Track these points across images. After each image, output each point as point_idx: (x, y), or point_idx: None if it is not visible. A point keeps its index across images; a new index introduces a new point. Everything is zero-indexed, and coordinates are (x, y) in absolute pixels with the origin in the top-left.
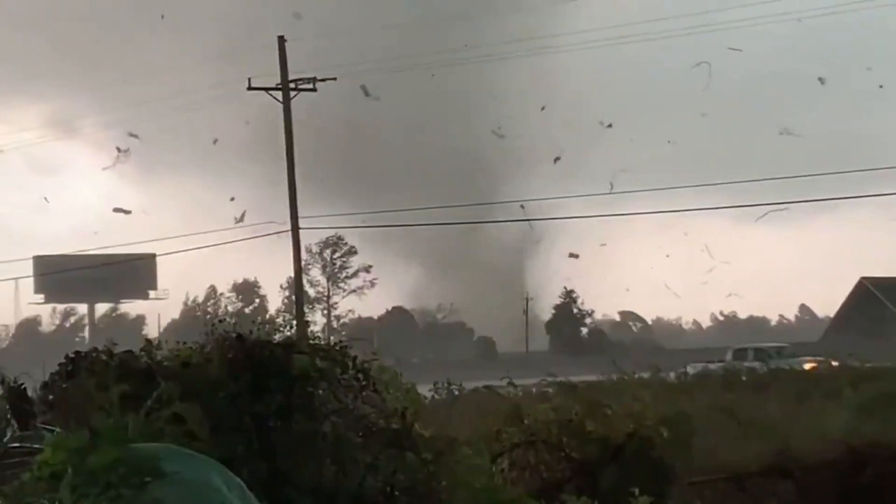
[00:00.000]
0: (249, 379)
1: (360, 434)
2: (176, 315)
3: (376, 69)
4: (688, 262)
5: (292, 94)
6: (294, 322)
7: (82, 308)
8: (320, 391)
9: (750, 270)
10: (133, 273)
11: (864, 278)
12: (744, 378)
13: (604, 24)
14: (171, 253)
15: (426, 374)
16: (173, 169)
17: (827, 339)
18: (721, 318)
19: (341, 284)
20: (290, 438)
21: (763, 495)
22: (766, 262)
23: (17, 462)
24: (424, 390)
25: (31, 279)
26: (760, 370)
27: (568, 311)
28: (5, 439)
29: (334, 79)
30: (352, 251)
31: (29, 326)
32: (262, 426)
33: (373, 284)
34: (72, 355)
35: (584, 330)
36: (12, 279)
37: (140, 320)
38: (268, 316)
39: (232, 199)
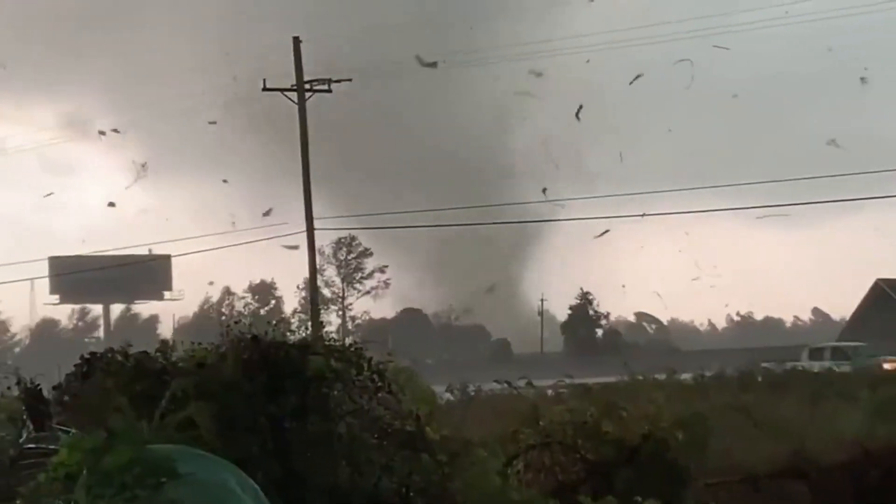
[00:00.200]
0: (264, 380)
1: (376, 435)
2: (190, 316)
3: (390, 71)
4: (702, 264)
5: (307, 94)
6: (309, 323)
7: (98, 309)
8: (335, 392)
9: (764, 272)
10: (148, 274)
11: (879, 280)
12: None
13: (612, 27)
14: (186, 254)
15: (440, 375)
16: (188, 170)
17: (843, 340)
18: (737, 318)
19: (356, 285)
20: (305, 439)
21: (779, 497)
22: (780, 263)
23: (33, 463)
24: (439, 391)
25: (47, 280)
26: (840, 369)
27: (583, 313)
28: (21, 440)
29: (349, 79)
30: (366, 252)
31: (44, 327)
32: (277, 427)
33: (387, 285)
34: (87, 356)
35: (600, 331)
36: (28, 280)
37: (155, 321)
38: (283, 317)
39: (267, 212)
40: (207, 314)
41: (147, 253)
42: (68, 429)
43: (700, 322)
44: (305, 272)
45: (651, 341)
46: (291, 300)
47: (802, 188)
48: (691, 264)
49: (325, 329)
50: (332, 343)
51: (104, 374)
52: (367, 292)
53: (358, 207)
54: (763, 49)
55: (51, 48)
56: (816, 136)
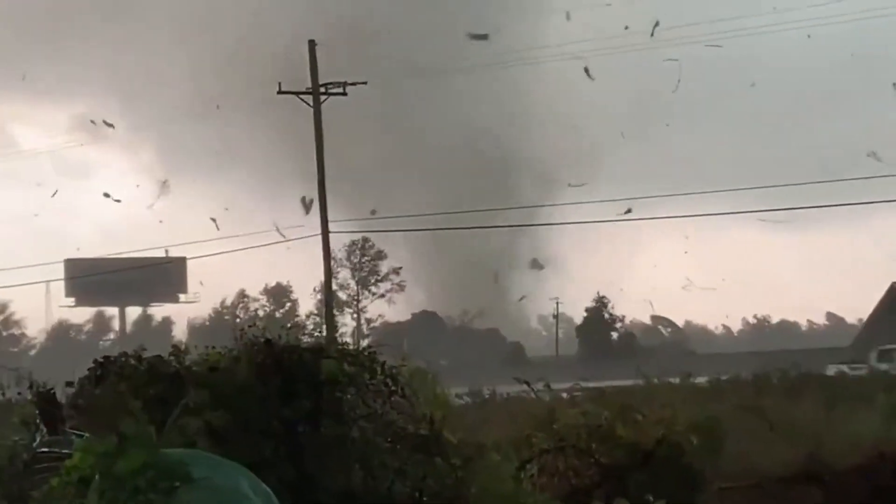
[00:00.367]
0: (278, 383)
1: (389, 439)
2: (206, 318)
3: (407, 73)
4: (718, 267)
5: (322, 98)
6: (324, 326)
7: (114, 311)
8: (349, 396)
9: (779, 275)
10: (163, 276)
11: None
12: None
13: (627, 30)
14: (201, 256)
15: (454, 378)
16: (204, 172)
17: (859, 344)
18: (753, 321)
19: (371, 288)
20: (318, 443)
21: (793, 501)
22: (794, 267)
23: (46, 467)
24: (453, 393)
25: (62, 282)
26: None
27: (598, 315)
28: (34, 444)
29: (364, 83)
30: (380, 255)
31: (60, 330)
32: (291, 431)
33: (402, 288)
34: (101, 360)
35: (615, 334)
36: (44, 282)
37: (171, 323)
38: (297, 320)
39: (305, 199)
40: (222, 317)
41: (162, 255)
42: (82, 433)
43: (715, 325)
44: (320, 275)
45: (666, 344)
46: (307, 303)
47: (815, 191)
48: (704, 268)
49: (340, 332)
50: (345, 347)
51: (118, 378)
52: (382, 295)
53: (371, 210)
54: (779, 51)
55: (66, 50)
56: (831, 139)
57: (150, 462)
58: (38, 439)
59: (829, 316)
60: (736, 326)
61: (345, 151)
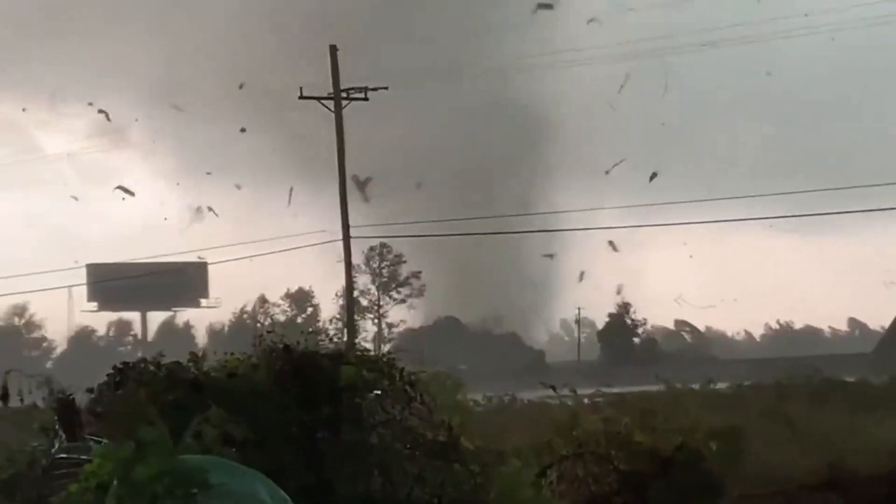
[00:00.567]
0: (296, 390)
1: (408, 445)
2: (227, 323)
3: (427, 78)
4: (739, 272)
5: (344, 103)
6: (345, 331)
7: (136, 316)
8: (368, 402)
9: (802, 281)
10: (185, 281)
11: None
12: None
13: (648, 35)
14: (223, 262)
15: (474, 383)
16: (224, 177)
17: (882, 350)
18: (776, 327)
19: (391, 293)
20: (337, 449)
21: None
22: (815, 272)
23: (65, 473)
24: (473, 398)
25: (85, 287)
26: None
27: (620, 321)
28: (53, 450)
29: (386, 87)
30: (399, 259)
31: (82, 335)
32: (310, 437)
33: (421, 293)
34: (120, 366)
35: (637, 340)
36: (66, 287)
37: (195, 328)
38: (319, 325)
39: (365, 177)
40: (243, 322)
41: (183, 261)
42: (100, 439)
43: (737, 331)
44: (341, 280)
45: (688, 349)
46: (328, 308)
47: (838, 196)
48: (734, 272)
49: (361, 337)
50: (364, 353)
51: (137, 385)
52: (402, 300)
53: (393, 215)
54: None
55: (87, 55)
56: (850, 143)
57: (168, 468)
58: (57, 445)
59: (852, 322)
60: (758, 332)
61: (365, 155)
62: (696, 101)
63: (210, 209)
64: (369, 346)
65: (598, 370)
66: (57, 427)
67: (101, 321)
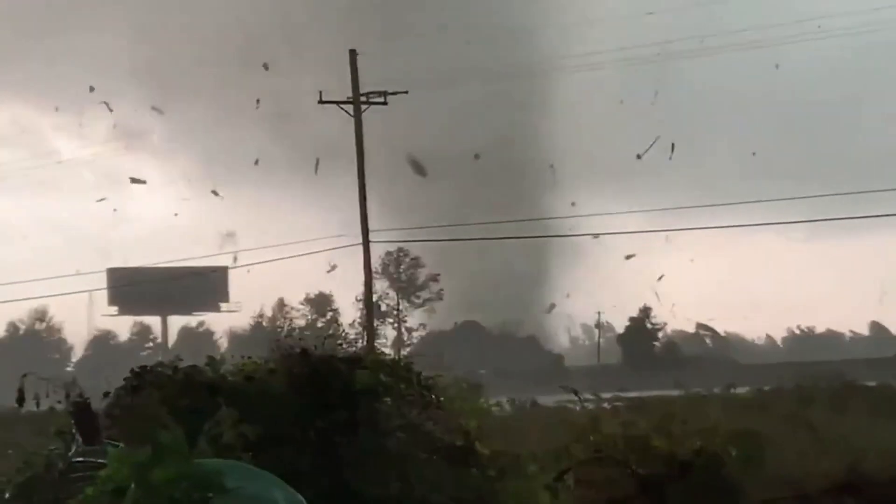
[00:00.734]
0: (314, 394)
1: (426, 450)
2: (248, 328)
3: (447, 82)
4: (760, 276)
5: (363, 107)
6: (364, 335)
7: (157, 320)
8: (385, 406)
9: (823, 285)
10: (205, 285)
11: None
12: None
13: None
14: (243, 266)
15: (494, 387)
16: (245, 181)
17: None
18: (797, 332)
19: (410, 298)
20: (354, 454)
21: None
22: (839, 276)
23: (81, 476)
24: (493, 402)
25: (105, 291)
26: None
27: (641, 325)
28: (70, 454)
29: (405, 92)
30: (417, 263)
31: (102, 339)
32: (327, 441)
33: (440, 297)
34: (137, 370)
35: (657, 344)
36: (86, 291)
37: (216, 333)
38: (340, 330)
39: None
40: (263, 326)
41: (204, 265)
42: (117, 442)
43: (758, 335)
44: (361, 284)
45: (709, 353)
46: (348, 312)
47: (859, 200)
48: (754, 276)
49: (381, 342)
50: (381, 357)
51: (153, 388)
52: (422, 304)
53: (413, 220)
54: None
55: (107, 61)
56: (869, 147)
57: (184, 472)
58: (73, 449)
59: (873, 326)
60: (779, 336)
61: (384, 159)
62: (715, 104)
63: (216, 192)
64: (389, 350)
65: (618, 374)
66: (73, 431)
67: (121, 325)
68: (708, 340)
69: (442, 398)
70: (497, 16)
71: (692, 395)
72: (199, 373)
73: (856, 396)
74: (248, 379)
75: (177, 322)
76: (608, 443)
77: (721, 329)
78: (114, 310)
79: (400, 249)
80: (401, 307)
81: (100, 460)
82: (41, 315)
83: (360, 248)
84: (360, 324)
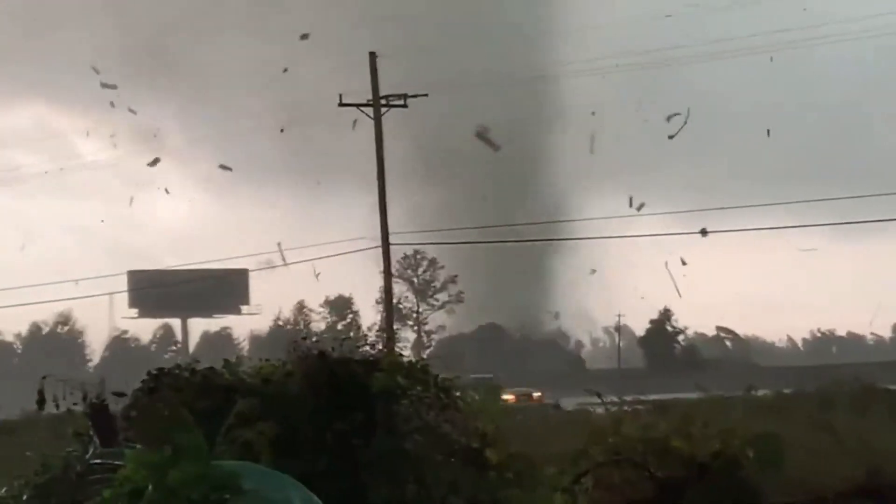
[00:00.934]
0: (331, 396)
1: (442, 452)
2: (268, 330)
3: (468, 84)
4: (781, 279)
5: (383, 110)
6: (384, 338)
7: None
8: (402, 408)
9: (844, 288)
10: (226, 288)
11: None
12: None
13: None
14: (263, 269)
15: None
16: (265, 184)
17: None
18: (818, 334)
19: (430, 300)
20: (371, 456)
21: None
22: (860, 279)
23: (99, 478)
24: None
25: (126, 294)
26: None
27: (661, 328)
28: (87, 455)
29: (426, 95)
30: (435, 265)
31: (122, 341)
32: (344, 443)
33: (460, 299)
34: (155, 372)
35: (678, 347)
36: (107, 294)
37: (233, 335)
38: (361, 332)
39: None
40: (284, 328)
41: (224, 268)
42: (134, 444)
43: (779, 338)
44: (380, 286)
45: (729, 356)
46: (368, 315)
47: (879, 203)
48: (776, 278)
49: (402, 345)
50: (399, 359)
51: (171, 390)
52: (441, 306)
53: (432, 222)
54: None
55: (129, 63)
56: (892, 150)
57: (201, 474)
58: (91, 450)
59: (895, 329)
60: (800, 339)
61: (403, 162)
62: (735, 108)
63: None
64: (409, 353)
65: (638, 377)
66: (91, 433)
67: (142, 328)
68: (728, 343)
69: (459, 400)
70: (514, 19)
71: (712, 398)
72: (216, 375)
73: (876, 399)
74: (266, 381)
75: (198, 325)
76: (627, 445)
77: (741, 332)
78: (134, 312)
79: (416, 252)
80: (420, 309)
81: (117, 462)
82: (65, 319)
83: (379, 250)
84: (378, 326)
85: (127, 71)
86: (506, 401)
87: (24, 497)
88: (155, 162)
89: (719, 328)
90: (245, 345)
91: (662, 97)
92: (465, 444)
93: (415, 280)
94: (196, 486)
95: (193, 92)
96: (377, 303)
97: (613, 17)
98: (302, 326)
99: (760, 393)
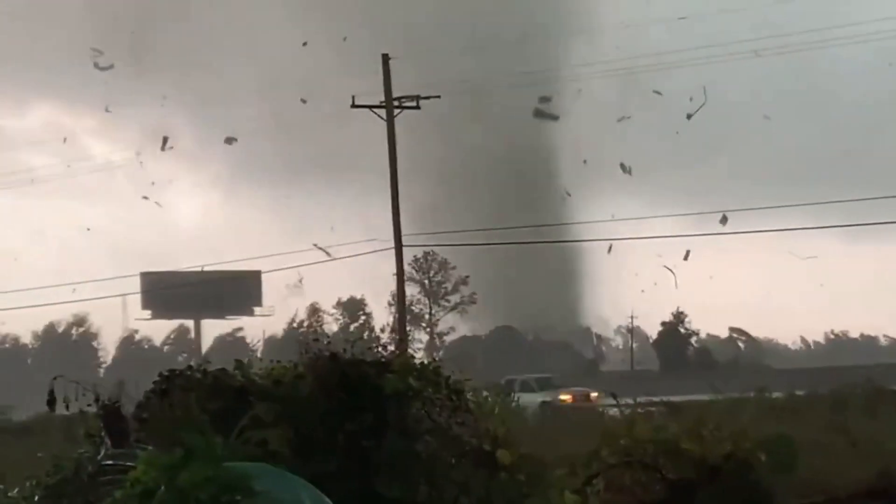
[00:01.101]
0: (342, 397)
1: (454, 454)
2: (281, 332)
3: (480, 87)
4: (795, 281)
5: (396, 111)
6: (395, 339)
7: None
8: (414, 410)
9: (857, 289)
10: (239, 289)
11: None
12: None
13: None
14: (276, 270)
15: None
16: (277, 186)
17: None
18: (831, 336)
19: (442, 302)
20: (383, 457)
21: None
22: (873, 280)
23: (111, 479)
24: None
25: (139, 295)
26: None
27: (674, 330)
28: (99, 457)
29: (438, 96)
30: (446, 264)
31: (134, 342)
32: (355, 445)
33: (472, 300)
34: (166, 373)
35: (691, 349)
36: (120, 295)
37: (248, 336)
38: (373, 334)
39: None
40: (297, 330)
41: (237, 269)
42: (146, 446)
43: (792, 340)
44: (392, 288)
45: (743, 358)
46: (381, 316)
47: (892, 205)
48: (790, 280)
49: (416, 347)
50: (410, 361)
51: (182, 392)
52: (454, 308)
53: (444, 223)
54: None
55: (139, 65)
56: None
57: (213, 475)
58: (102, 452)
59: None
60: (813, 341)
61: (416, 164)
62: (751, 108)
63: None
64: (422, 355)
65: (651, 379)
66: (103, 434)
67: (155, 329)
68: (741, 345)
69: (471, 402)
70: (529, 21)
71: (726, 400)
72: (228, 376)
73: (889, 401)
74: (277, 382)
75: (212, 326)
76: (638, 447)
77: (755, 333)
78: (147, 314)
79: (427, 253)
80: (433, 311)
81: (129, 463)
82: (80, 321)
83: (392, 252)
84: (390, 328)
85: (138, 71)
86: (563, 401)
87: (36, 498)
88: (230, 140)
89: (732, 329)
90: (258, 346)
91: (676, 98)
92: (477, 446)
93: (426, 282)
94: (207, 488)
95: (206, 92)
96: (389, 304)
97: (631, 18)
98: (314, 328)
99: (774, 395)
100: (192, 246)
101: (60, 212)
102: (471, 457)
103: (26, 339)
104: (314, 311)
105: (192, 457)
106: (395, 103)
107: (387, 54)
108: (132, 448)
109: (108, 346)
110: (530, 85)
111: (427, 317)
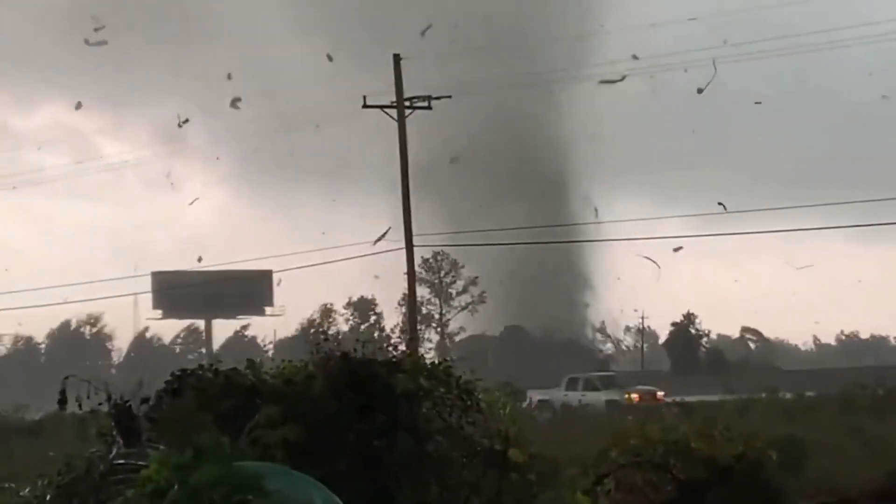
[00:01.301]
0: (353, 397)
1: (465, 454)
2: (292, 331)
3: (492, 87)
4: (806, 281)
5: (407, 111)
6: (406, 339)
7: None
8: (425, 410)
9: (868, 289)
10: (250, 289)
11: None
12: None
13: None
14: (287, 270)
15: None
16: (287, 185)
17: None
18: (842, 337)
19: (452, 302)
20: (393, 457)
21: None
22: (884, 281)
23: (122, 478)
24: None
25: (150, 295)
26: None
27: (685, 330)
28: (111, 456)
29: (449, 97)
30: (456, 265)
31: (146, 342)
32: (366, 444)
33: (483, 300)
34: (177, 373)
35: (702, 349)
36: (131, 295)
37: (256, 336)
38: (384, 333)
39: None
40: (308, 330)
41: (248, 269)
42: (158, 445)
43: (803, 340)
44: (403, 288)
45: (753, 359)
46: (391, 316)
47: None
48: (801, 281)
49: (427, 347)
50: (421, 361)
51: (194, 391)
52: (464, 308)
53: (455, 223)
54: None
55: (149, 65)
56: None
57: (224, 474)
58: (114, 451)
59: None
60: (823, 341)
61: (427, 164)
62: (763, 108)
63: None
64: (433, 354)
65: (662, 379)
66: (114, 433)
67: (166, 329)
68: (752, 345)
69: (482, 402)
70: (539, 21)
71: (736, 400)
72: (239, 375)
73: None
74: (288, 382)
75: (223, 326)
76: (649, 447)
77: (766, 334)
78: (158, 313)
79: (437, 253)
80: (443, 311)
81: (140, 462)
82: (93, 320)
83: (403, 252)
84: (400, 328)
85: (145, 71)
86: (629, 399)
87: (48, 497)
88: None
89: (744, 329)
90: (267, 345)
91: (687, 101)
92: (488, 446)
93: (437, 282)
94: (219, 487)
95: (217, 92)
96: (400, 304)
97: (642, 18)
98: (325, 328)
99: (785, 395)
100: (203, 245)
101: (68, 211)
102: (481, 457)
103: (39, 338)
104: (326, 311)
105: (204, 456)
106: (407, 103)
107: (398, 54)
108: (144, 447)
109: (119, 346)
110: (541, 85)
111: (437, 317)
